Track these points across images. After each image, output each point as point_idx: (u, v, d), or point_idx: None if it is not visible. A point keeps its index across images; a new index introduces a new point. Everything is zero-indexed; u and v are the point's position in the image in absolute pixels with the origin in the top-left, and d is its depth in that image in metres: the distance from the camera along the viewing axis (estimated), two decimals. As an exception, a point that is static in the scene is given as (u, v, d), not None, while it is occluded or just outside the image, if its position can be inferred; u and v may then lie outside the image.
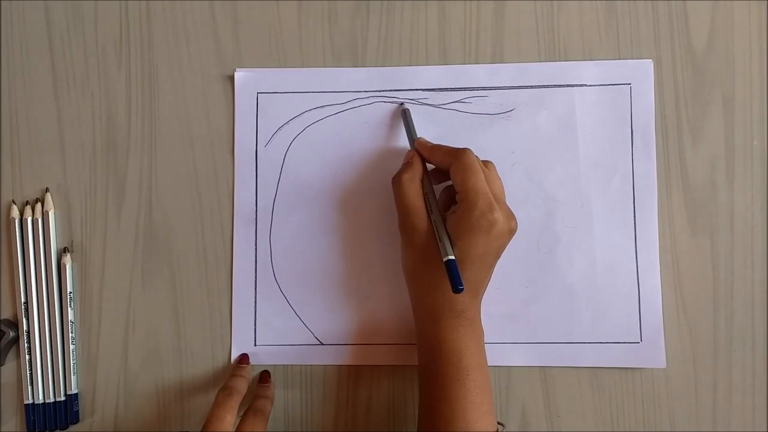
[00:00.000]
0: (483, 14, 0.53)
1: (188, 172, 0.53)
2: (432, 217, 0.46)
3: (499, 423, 0.46)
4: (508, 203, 0.46)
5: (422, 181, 0.47)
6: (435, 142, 0.48)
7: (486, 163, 0.47)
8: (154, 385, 0.52)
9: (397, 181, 0.47)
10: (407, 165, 0.48)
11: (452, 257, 0.43)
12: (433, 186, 0.48)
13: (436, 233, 0.45)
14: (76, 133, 0.53)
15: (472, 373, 0.44)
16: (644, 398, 0.51)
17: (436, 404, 0.44)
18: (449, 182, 0.48)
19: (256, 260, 0.52)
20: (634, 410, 0.51)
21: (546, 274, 0.51)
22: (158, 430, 0.52)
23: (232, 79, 0.53)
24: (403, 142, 0.52)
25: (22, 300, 0.52)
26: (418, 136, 0.50)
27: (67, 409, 0.51)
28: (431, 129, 0.52)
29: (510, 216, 0.45)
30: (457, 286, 0.41)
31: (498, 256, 0.46)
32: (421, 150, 0.48)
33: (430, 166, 0.49)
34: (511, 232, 0.45)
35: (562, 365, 0.51)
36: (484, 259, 0.45)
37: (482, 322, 0.46)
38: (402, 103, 0.52)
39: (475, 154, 0.46)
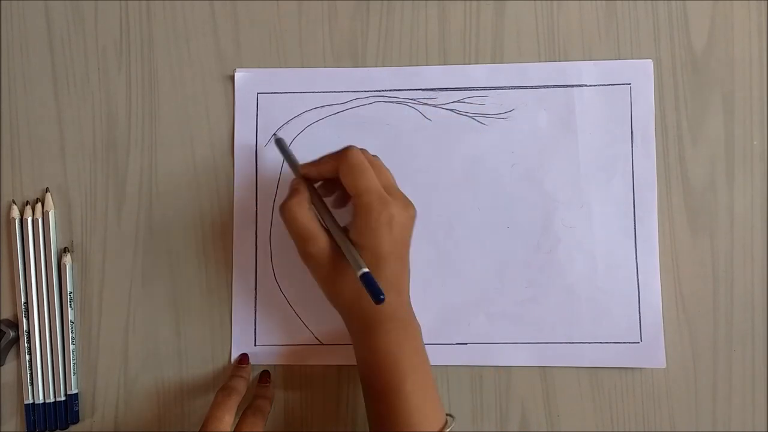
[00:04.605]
0: (483, 14, 0.53)
1: (188, 172, 0.53)
2: (334, 234, 0.44)
3: (448, 415, 0.45)
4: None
5: (313, 203, 0.45)
6: (377, 150, 0.46)
7: (370, 155, 0.46)
8: (154, 386, 0.52)
9: (285, 208, 0.44)
10: (293, 191, 0.45)
11: (366, 269, 0.41)
12: (325, 200, 0.46)
13: (343, 248, 0.43)
14: (76, 133, 0.53)
15: (411, 376, 0.43)
16: (644, 398, 0.51)
17: (379, 416, 0.44)
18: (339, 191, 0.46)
19: (256, 260, 0.52)
20: (634, 410, 0.51)
21: (546, 275, 0.51)
22: (158, 430, 0.52)
23: (232, 79, 0.53)
24: (402, 141, 0.52)
25: (22, 300, 0.52)
26: (300, 163, 0.47)
27: (67, 409, 0.51)
28: (429, 129, 0.52)
29: (406, 204, 0.44)
30: (377, 297, 0.40)
31: (407, 247, 0.45)
32: (306, 170, 0.45)
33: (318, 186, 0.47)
34: (411, 218, 0.44)
35: (562, 365, 0.51)
36: (394, 255, 0.44)
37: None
38: (275, 134, 0.52)
39: (361, 148, 0.44)
